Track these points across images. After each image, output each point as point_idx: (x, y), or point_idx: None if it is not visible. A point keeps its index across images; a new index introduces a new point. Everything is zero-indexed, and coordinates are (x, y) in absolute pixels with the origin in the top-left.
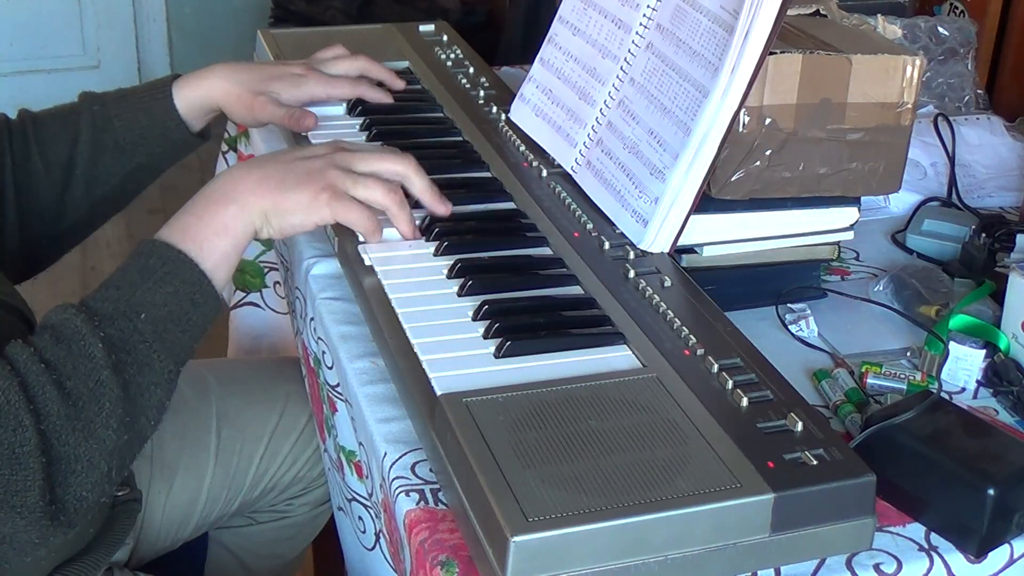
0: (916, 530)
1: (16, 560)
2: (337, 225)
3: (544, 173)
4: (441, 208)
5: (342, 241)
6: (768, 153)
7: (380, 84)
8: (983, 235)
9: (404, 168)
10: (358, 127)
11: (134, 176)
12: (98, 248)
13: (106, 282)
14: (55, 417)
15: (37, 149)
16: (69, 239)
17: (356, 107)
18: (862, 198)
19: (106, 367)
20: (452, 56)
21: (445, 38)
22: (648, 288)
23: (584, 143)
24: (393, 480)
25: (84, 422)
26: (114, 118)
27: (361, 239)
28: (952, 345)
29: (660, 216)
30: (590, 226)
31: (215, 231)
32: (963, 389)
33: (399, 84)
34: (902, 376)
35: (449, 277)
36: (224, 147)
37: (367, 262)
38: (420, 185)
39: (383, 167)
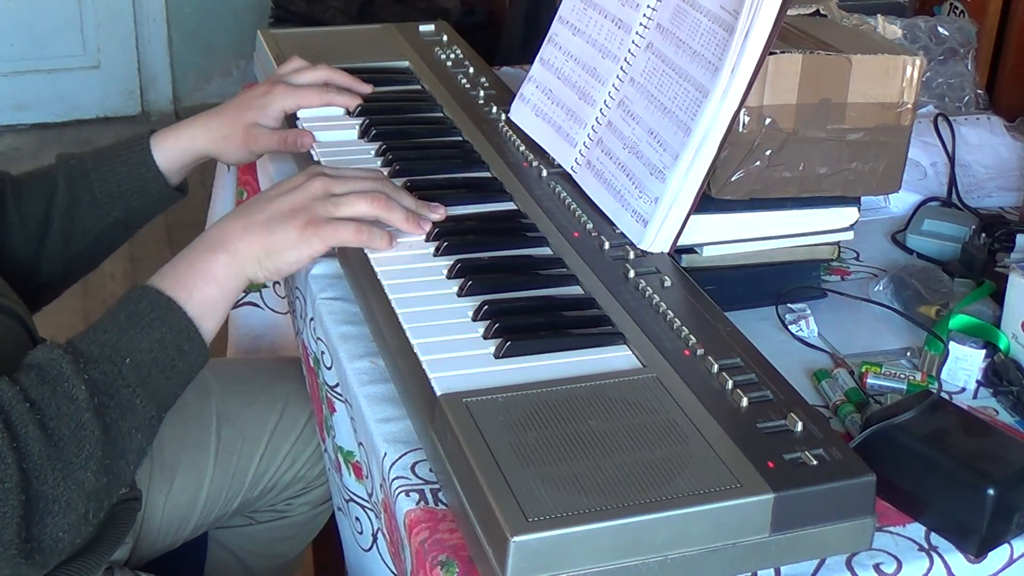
0: (916, 530)
1: None
2: None
3: (544, 173)
4: (433, 217)
5: None
6: (768, 153)
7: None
8: (983, 235)
9: (381, 185)
10: (358, 127)
11: (109, 232)
12: None
13: (95, 325)
14: (36, 456)
15: (14, 203)
16: (42, 296)
17: (355, 108)
18: (862, 198)
19: (88, 409)
20: (452, 56)
21: (445, 38)
22: (648, 288)
23: (584, 143)
24: (393, 480)
25: (64, 463)
26: (91, 171)
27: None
28: (952, 345)
29: (660, 216)
30: (590, 226)
31: (204, 280)
32: (963, 389)
33: (365, 88)
34: (902, 376)
35: (449, 277)
36: None
37: (372, 264)
38: (401, 207)
39: (360, 184)
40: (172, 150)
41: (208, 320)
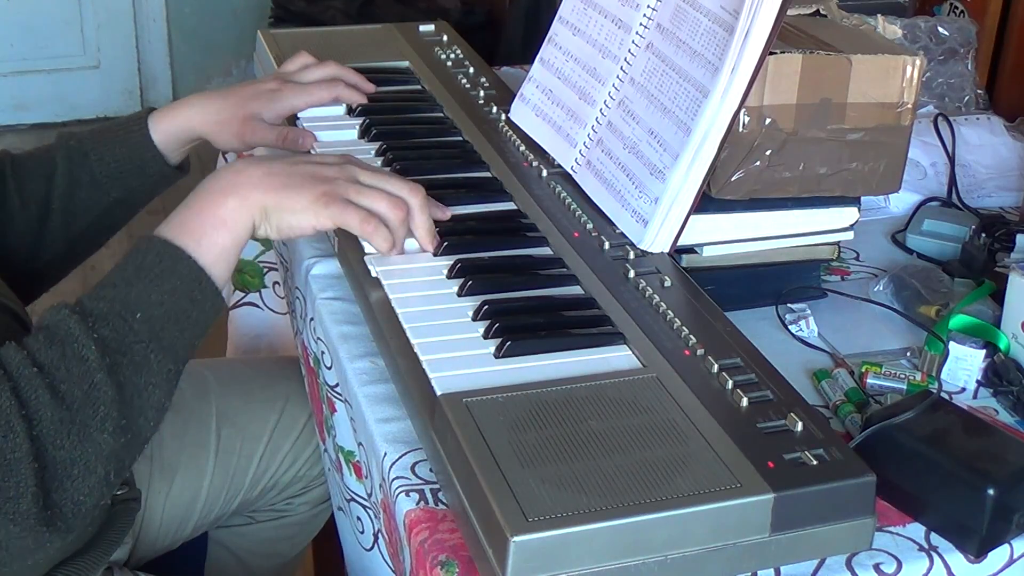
0: (916, 530)
1: (15, 565)
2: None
3: (544, 173)
4: (429, 247)
5: (342, 241)
6: (768, 153)
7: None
8: (983, 235)
9: (410, 195)
10: (358, 127)
11: (111, 212)
12: None
13: (103, 280)
14: (48, 421)
15: (14, 185)
16: (46, 278)
17: (356, 107)
18: (862, 198)
19: (100, 369)
20: (452, 56)
21: (445, 38)
22: (648, 288)
23: (584, 143)
24: (393, 480)
25: (79, 426)
26: (90, 152)
27: (368, 248)
28: (952, 345)
29: (660, 216)
30: (590, 226)
31: (213, 225)
32: (963, 389)
33: (370, 87)
34: (902, 376)
35: (449, 277)
36: None
37: (372, 271)
38: (419, 220)
39: (390, 186)
40: (168, 129)
41: (219, 267)
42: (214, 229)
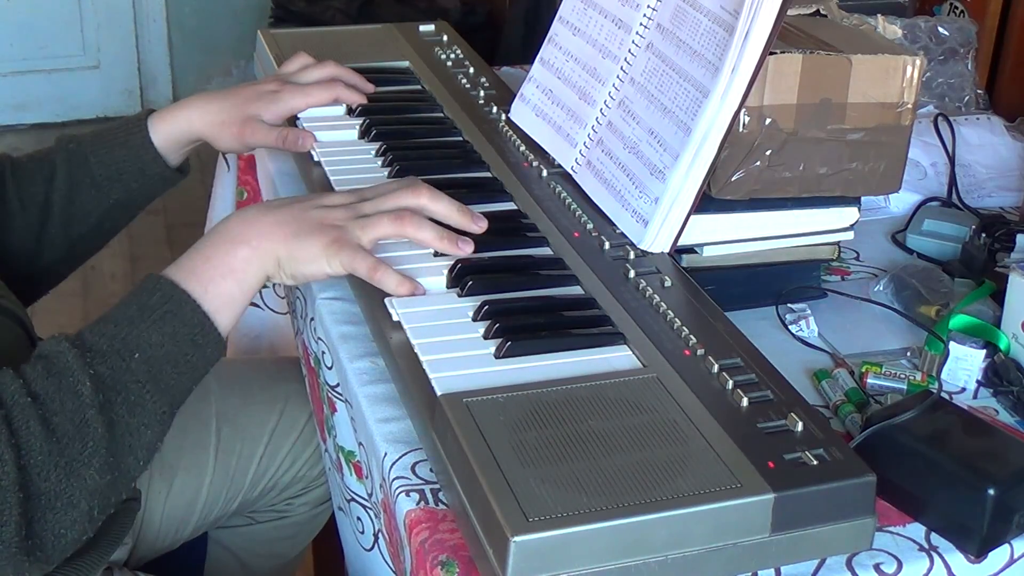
0: (916, 530)
1: None
2: None
3: (544, 173)
4: (474, 226)
5: None
6: (768, 153)
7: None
8: (983, 235)
9: (415, 199)
10: (358, 127)
11: (111, 215)
12: None
13: (106, 315)
14: (37, 452)
15: (14, 187)
16: (46, 279)
17: (356, 107)
18: (862, 198)
19: (92, 406)
20: (452, 56)
21: (445, 38)
22: (648, 288)
23: (584, 143)
24: (393, 480)
25: (67, 459)
26: (89, 155)
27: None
28: (952, 345)
29: (660, 216)
30: (590, 226)
31: (222, 273)
32: (963, 389)
33: (369, 87)
34: (902, 376)
35: (450, 277)
36: None
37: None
38: (441, 210)
39: (389, 203)
40: (169, 131)
41: (224, 314)
42: (222, 277)
